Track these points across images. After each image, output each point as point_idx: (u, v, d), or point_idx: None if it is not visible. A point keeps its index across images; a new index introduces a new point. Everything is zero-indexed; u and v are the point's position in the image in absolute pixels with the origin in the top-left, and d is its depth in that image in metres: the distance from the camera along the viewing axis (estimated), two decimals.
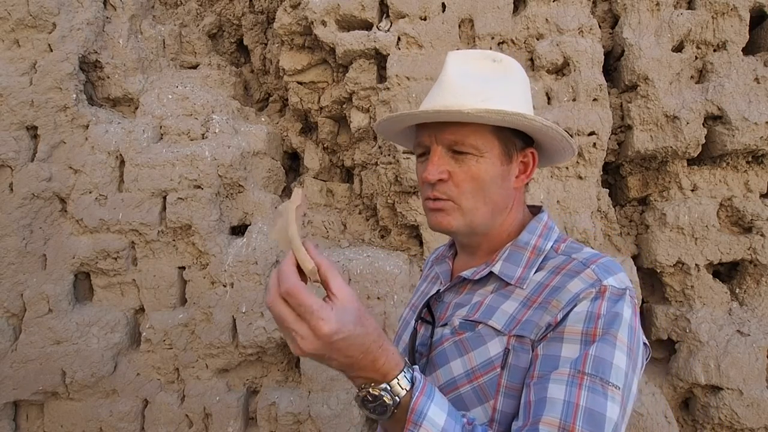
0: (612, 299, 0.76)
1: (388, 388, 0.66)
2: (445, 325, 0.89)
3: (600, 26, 2.63)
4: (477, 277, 0.89)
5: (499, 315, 0.83)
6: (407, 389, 0.66)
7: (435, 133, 0.86)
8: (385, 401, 0.66)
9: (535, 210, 0.99)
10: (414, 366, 0.71)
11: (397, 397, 0.66)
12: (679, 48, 2.55)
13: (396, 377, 0.67)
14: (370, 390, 0.67)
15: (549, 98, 2.49)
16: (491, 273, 0.88)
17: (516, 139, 0.90)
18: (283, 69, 2.82)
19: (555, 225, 0.95)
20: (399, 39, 2.50)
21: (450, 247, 1.07)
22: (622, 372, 0.72)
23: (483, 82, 0.84)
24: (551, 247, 0.89)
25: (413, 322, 0.97)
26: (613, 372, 0.71)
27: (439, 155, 0.85)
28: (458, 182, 0.84)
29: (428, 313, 0.95)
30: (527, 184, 0.95)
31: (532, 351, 0.77)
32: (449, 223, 0.86)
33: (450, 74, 0.86)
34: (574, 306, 0.75)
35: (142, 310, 2.62)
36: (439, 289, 0.96)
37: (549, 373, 0.72)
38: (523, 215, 0.96)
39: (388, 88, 2.48)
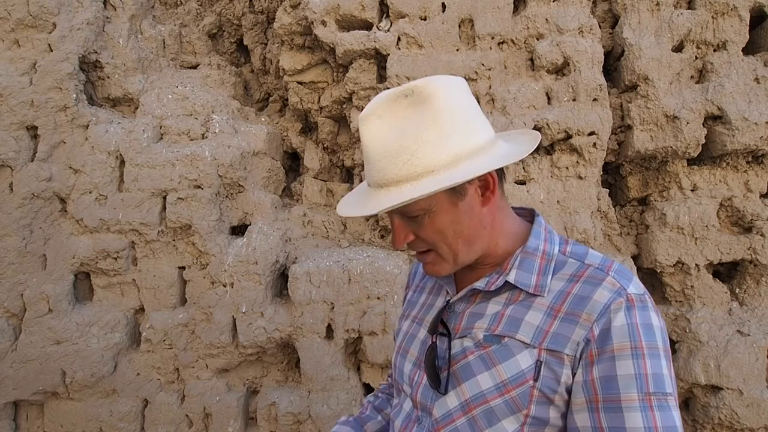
0: (641, 307, 0.78)
1: None
2: (464, 337, 0.88)
3: (600, 26, 2.63)
4: (492, 288, 0.88)
5: (525, 327, 0.82)
6: None
7: None
8: None
9: (524, 212, 0.98)
10: None
11: None
12: (679, 48, 2.55)
13: None
14: None
15: (549, 98, 2.49)
16: (505, 281, 0.87)
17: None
18: (283, 69, 2.82)
19: (551, 227, 0.96)
20: (399, 39, 2.50)
21: None
22: (672, 378, 0.76)
23: (401, 136, 0.80)
24: (558, 250, 0.88)
25: (425, 335, 0.96)
26: (667, 382, 0.75)
27: (398, 225, 0.87)
28: (425, 238, 0.86)
29: (441, 324, 0.92)
30: (500, 193, 0.93)
31: (572, 368, 0.78)
32: (441, 270, 0.89)
33: (367, 146, 0.84)
34: (608, 318, 0.77)
35: (142, 310, 2.62)
36: (449, 300, 0.95)
37: (616, 399, 0.74)
38: (512, 221, 0.93)
39: (388, 88, 2.47)
